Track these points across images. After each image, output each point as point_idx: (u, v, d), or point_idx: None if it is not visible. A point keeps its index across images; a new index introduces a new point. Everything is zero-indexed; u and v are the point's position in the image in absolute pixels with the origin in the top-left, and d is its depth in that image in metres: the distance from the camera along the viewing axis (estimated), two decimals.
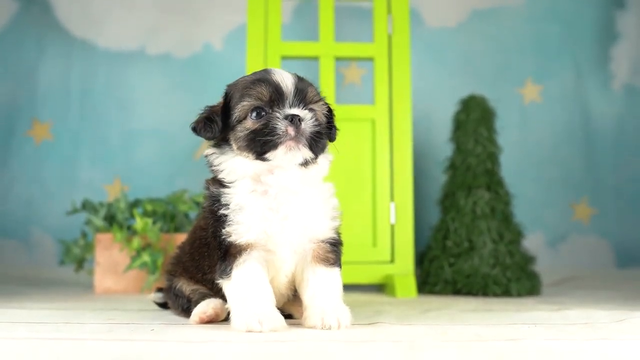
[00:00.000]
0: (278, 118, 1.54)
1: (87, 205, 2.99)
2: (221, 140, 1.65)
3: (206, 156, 1.68)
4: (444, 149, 3.40)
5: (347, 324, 1.58)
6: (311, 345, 1.32)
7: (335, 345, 1.33)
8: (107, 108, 3.77)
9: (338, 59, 3.08)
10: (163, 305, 2.10)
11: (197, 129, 1.64)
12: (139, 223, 2.78)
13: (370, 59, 3.03)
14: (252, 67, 2.89)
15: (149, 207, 2.90)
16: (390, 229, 2.88)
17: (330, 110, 1.70)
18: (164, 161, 3.73)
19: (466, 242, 2.86)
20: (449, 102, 3.35)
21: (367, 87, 3.59)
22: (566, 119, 3.86)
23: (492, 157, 3.01)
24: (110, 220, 2.96)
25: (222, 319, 1.73)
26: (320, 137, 1.58)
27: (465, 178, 2.97)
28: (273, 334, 1.47)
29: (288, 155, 1.55)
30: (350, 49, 3.04)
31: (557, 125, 3.85)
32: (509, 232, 2.89)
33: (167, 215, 2.95)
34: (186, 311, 1.82)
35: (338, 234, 1.70)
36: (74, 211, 3.03)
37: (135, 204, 3.00)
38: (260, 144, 1.54)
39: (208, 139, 1.64)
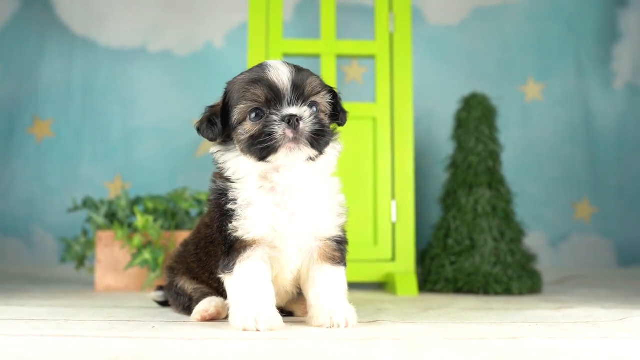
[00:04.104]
0: (275, 121, 1.50)
1: (88, 203, 2.99)
2: (226, 137, 1.63)
3: (212, 154, 1.67)
4: (445, 147, 3.40)
5: (354, 323, 1.58)
6: (312, 344, 1.32)
7: (336, 343, 1.33)
8: (108, 105, 3.77)
9: (339, 57, 3.08)
10: (163, 304, 2.10)
11: (200, 130, 1.63)
12: (139, 220, 2.78)
13: (371, 57, 3.03)
14: (253, 65, 2.88)
15: (150, 205, 2.90)
16: (392, 227, 2.88)
17: (335, 96, 1.67)
18: (165, 158, 3.73)
19: (467, 240, 2.85)
20: (450, 100, 3.35)
21: (369, 85, 3.59)
22: (568, 117, 3.85)
23: (494, 155, 3.00)
24: (111, 217, 2.96)
25: (223, 317, 1.73)
26: (323, 133, 1.54)
27: (467, 176, 2.97)
28: (274, 332, 1.47)
29: (290, 157, 1.52)
30: (351, 46, 3.03)
31: (559, 123, 3.85)
32: (510, 230, 2.89)
33: (168, 212, 2.95)
34: (187, 309, 1.82)
35: (344, 231, 1.68)
36: (75, 209, 3.03)
37: (136, 201, 3.01)
38: (260, 149, 1.52)
39: (211, 140, 1.63)
